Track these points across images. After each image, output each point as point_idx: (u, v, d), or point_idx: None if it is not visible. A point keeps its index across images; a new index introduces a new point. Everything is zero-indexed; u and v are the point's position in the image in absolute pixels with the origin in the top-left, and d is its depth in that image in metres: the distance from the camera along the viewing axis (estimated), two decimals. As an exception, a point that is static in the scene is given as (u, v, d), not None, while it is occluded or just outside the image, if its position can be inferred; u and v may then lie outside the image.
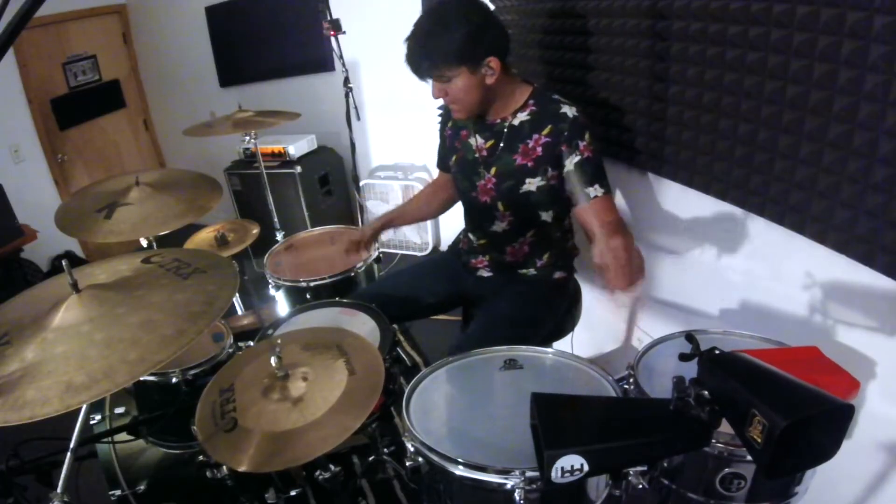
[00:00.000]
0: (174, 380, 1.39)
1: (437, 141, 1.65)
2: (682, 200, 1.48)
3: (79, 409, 0.98)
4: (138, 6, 4.03)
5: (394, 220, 1.78)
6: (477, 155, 1.46)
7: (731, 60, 1.15)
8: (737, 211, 1.27)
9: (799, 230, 1.12)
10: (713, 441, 0.84)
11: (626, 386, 1.01)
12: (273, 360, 0.99)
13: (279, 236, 2.42)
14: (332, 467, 1.08)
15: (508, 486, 0.80)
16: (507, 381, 1.07)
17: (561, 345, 1.59)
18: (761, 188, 1.17)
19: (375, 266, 1.79)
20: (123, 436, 1.40)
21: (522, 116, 1.38)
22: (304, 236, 1.99)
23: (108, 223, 1.35)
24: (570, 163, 1.33)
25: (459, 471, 0.83)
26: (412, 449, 0.90)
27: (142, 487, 1.46)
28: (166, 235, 1.46)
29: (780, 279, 1.25)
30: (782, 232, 1.16)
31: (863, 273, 1.01)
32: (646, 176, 1.60)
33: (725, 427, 0.68)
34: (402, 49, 1.32)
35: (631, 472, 0.86)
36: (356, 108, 2.67)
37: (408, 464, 0.91)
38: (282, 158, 3.40)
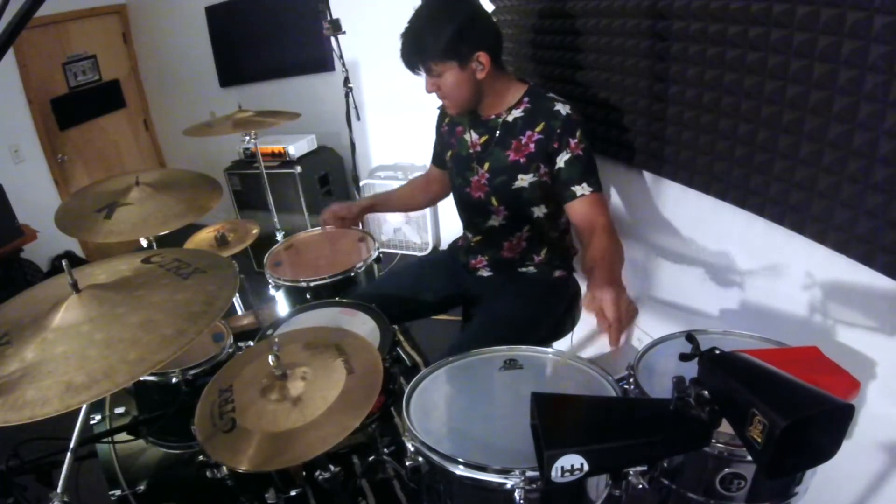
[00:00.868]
0: (174, 380, 1.39)
1: (436, 141, 1.66)
2: (682, 200, 1.48)
3: (79, 409, 0.98)
4: (138, 6, 4.03)
5: (381, 203, 1.87)
6: (471, 150, 1.48)
7: (731, 60, 1.15)
8: (737, 211, 1.27)
9: (799, 230, 1.12)
10: (713, 441, 0.84)
11: (626, 386, 1.01)
12: (271, 360, 0.99)
13: (279, 236, 2.42)
14: (332, 467, 1.08)
15: (508, 486, 0.80)
16: (507, 381, 1.07)
17: (561, 345, 1.59)
18: (761, 188, 1.17)
19: (375, 266, 1.79)
20: (123, 436, 1.40)
21: (517, 113, 1.39)
22: (304, 236, 1.99)
23: (108, 223, 1.35)
24: (561, 160, 1.34)
25: (459, 471, 0.83)
26: (412, 449, 0.90)
27: (142, 487, 1.46)
28: (166, 235, 1.46)
29: (780, 279, 1.25)
30: (782, 232, 1.16)
31: (863, 273, 1.01)
32: (645, 176, 1.60)
33: (725, 427, 0.68)
34: (399, 45, 1.34)
35: (631, 472, 0.86)
36: (356, 108, 2.67)
37: (408, 464, 0.91)
38: (282, 158, 3.40)
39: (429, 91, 1.39)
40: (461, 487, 0.85)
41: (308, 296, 1.62)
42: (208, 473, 1.10)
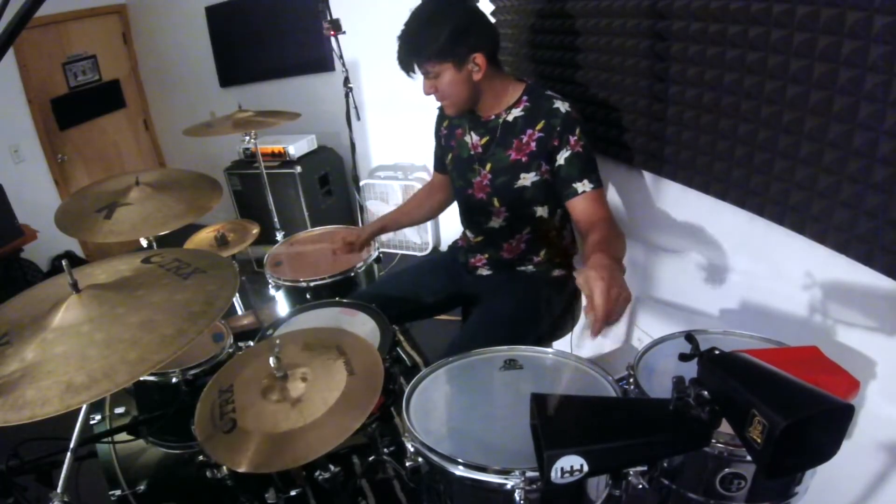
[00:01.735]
0: (174, 380, 1.39)
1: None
2: (682, 200, 1.48)
3: (79, 409, 0.98)
4: (138, 6, 4.03)
5: (388, 225, 1.82)
6: (472, 152, 1.47)
7: (731, 60, 1.15)
8: (737, 211, 1.27)
9: (799, 230, 1.12)
10: (713, 441, 0.84)
11: (626, 386, 1.01)
12: (272, 361, 0.99)
13: (279, 236, 2.42)
14: (331, 467, 1.08)
15: (508, 487, 0.80)
16: (507, 381, 1.07)
17: (561, 344, 1.60)
18: (761, 188, 1.17)
19: (375, 266, 1.79)
20: (123, 436, 1.40)
21: (516, 112, 1.39)
22: (304, 236, 1.99)
23: (108, 223, 1.35)
24: (561, 157, 1.34)
25: (459, 471, 0.83)
26: (412, 449, 0.90)
27: (142, 487, 1.46)
28: (166, 235, 1.46)
29: (780, 279, 1.25)
30: (782, 232, 1.16)
31: (863, 273, 1.01)
32: (645, 176, 1.60)
33: (725, 427, 0.68)
34: (396, 47, 1.35)
35: (631, 472, 0.86)
36: (356, 108, 2.66)
37: (408, 464, 0.91)
38: (282, 158, 3.40)
39: (427, 93, 1.40)
40: (461, 488, 0.85)
41: (308, 296, 1.62)
42: (208, 473, 1.10)
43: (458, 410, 1.03)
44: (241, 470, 0.88)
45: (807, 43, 0.99)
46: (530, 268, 1.54)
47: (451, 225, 3.53)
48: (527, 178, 1.40)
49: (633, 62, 1.44)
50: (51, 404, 0.70)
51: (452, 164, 1.56)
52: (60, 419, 0.74)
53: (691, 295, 1.57)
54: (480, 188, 1.48)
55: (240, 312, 2.33)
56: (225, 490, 1.13)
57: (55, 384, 0.72)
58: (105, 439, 1.45)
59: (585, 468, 0.68)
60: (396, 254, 3.62)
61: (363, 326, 1.32)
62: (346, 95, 2.61)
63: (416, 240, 3.59)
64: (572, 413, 0.74)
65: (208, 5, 3.72)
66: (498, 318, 1.45)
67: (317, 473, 1.08)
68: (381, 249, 1.80)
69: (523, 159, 1.38)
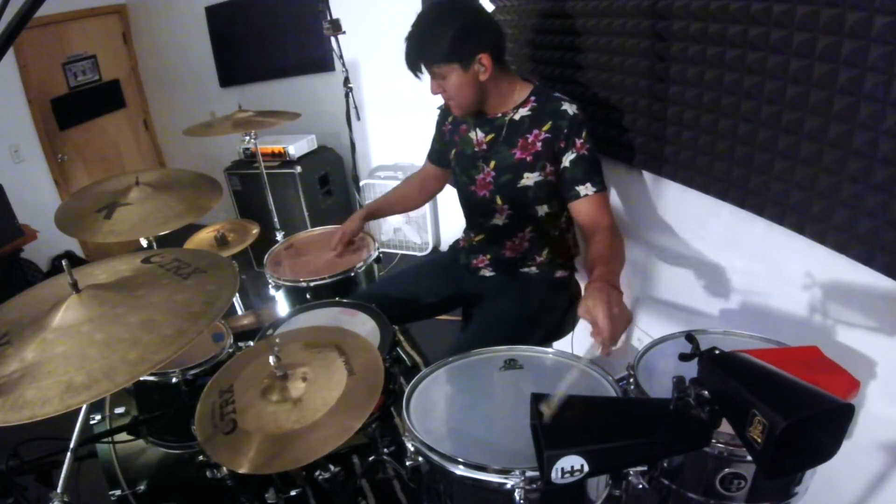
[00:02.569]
0: (174, 380, 1.39)
1: (436, 139, 1.65)
2: (682, 200, 1.48)
3: (79, 409, 0.98)
4: (138, 6, 4.03)
5: (378, 209, 1.84)
6: (476, 149, 1.48)
7: (731, 60, 1.15)
8: (737, 211, 1.27)
9: (799, 230, 1.12)
10: (713, 441, 0.84)
11: (627, 386, 1.01)
12: (272, 360, 0.99)
13: (279, 236, 2.42)
14: (332, 467, 1.08)
15: (508, 486, 0.80)
16: (508, 381, 1.07)
17: (561, 345, 1.59)
18: (761, 188, 1.17)
19: (375, 266, 1.79)
20: (123, 436, 1.40)
21: (523, 112, 1.39)
22: (304, 236, 1.99)
23: (108, 223, 1.35)
24: (567, 159, 1.34)
25: (459, 471, 0.83)
26: (412, 449, 0.90)
27: (142, 487, 1.46)
28: (166, 235, 1.45)
29: (780, 279, 1.25)
30: (782, 232, 1.16)
31: (863, 273, 1.01)
32: (645, 176, 1.60)
33: (725, 427, 0.68)
34: (403, 49, 1.35)
35: (631, 472, 0.86)
36: (356, 108, 2.67)
37: (408, 464, 0.91)
38: (282, 158, 3.40)
39: (433, 93, 1.40)
40: (461, 487, 0.85)
41: (308, 296, 1.62)
42: (208, 473, 1.10)
43: (458, 410, 1.03)
44: (243, 471, 0.88)
45: (807, 43, 0.99)
46: (533, 269, 1.54)
47: (451, 225, 3.53)
48: (530, 178, 1.40)
49: (633, 62, 1.44)
50: (51, 404, 0.70)
51: (456, 160, 1.56)
52: (60, 419, 0.74)
53: (691, 295, 1.57)
54: (483, 185, 1.48)
55: (240, 312, 2.33)
56: (225, 490, 1.13)
57: (55, 384, 0.72)
58: (105, 439, 1.45)
59: (586, 468, 0.68)
60: (396, 254, 3.62)
61: (363, 326, 1.32)
62: (346, 95, 2.61)
63: (416, 240, 3.59)
64: (572, 413, 0.74)
65: (208, 5, 3.72)
66: (500, 321, 1.45)
67: (317, 473, 1.08)
68: (382, 249, 1.80)
69: (528, 158, 1.39)
